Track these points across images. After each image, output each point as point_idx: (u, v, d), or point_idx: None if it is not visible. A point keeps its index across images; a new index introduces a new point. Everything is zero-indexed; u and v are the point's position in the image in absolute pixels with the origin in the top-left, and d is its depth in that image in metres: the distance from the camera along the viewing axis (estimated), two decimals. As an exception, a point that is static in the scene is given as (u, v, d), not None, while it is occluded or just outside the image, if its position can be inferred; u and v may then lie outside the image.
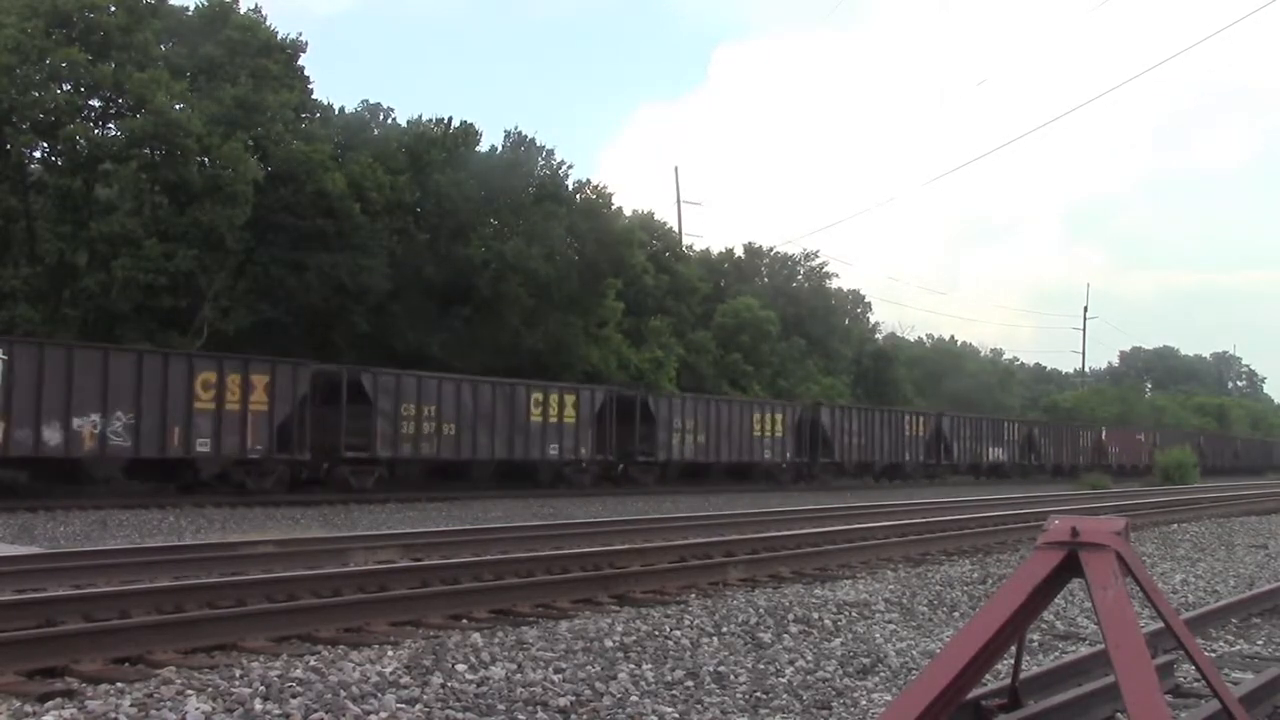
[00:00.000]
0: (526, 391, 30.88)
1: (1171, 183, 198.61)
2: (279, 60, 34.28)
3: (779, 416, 39.17)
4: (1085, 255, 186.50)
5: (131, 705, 5.60)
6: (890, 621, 9.20)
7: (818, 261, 63.53)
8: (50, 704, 5.69)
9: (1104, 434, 61.06)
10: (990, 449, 51.32)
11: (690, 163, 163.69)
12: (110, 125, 30.84)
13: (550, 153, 40.47)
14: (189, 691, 5.88)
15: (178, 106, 30.37)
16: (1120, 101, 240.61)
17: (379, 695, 5.97)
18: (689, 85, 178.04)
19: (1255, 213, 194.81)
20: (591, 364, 39.31)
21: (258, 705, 5.69)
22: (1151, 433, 67.00)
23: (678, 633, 8.16)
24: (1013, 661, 5.14)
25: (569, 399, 31.93)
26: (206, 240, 30.41)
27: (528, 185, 39.39)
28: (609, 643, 7.66)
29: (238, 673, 6.39)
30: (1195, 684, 6.65)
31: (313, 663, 6.72)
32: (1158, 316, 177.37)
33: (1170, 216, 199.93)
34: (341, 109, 38.75)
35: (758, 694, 6.46)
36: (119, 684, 6.18)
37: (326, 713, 5.62)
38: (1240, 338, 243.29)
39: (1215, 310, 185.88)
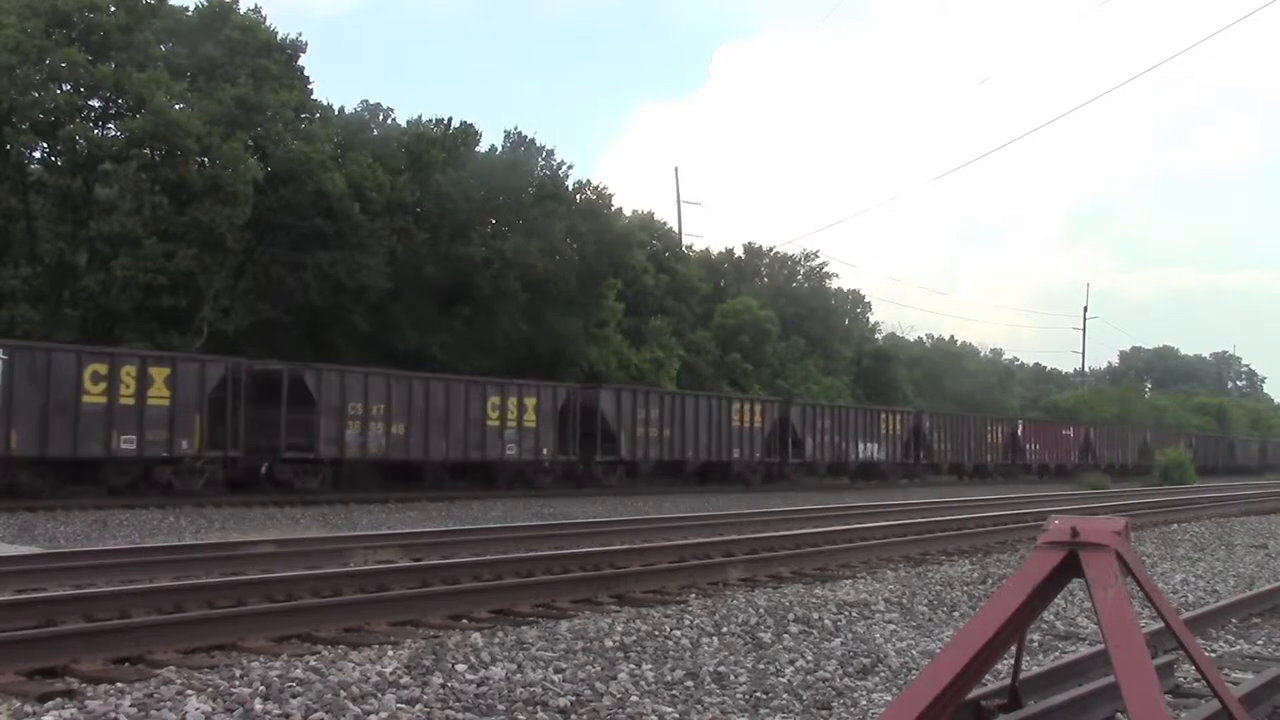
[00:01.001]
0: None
1: (1172, 182, 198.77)
2: (279, 60, 34.28)
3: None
4: (1086, 255, 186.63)
5: (131, 705, 5.60)
6: (890, 621, 9.19)
7: (818, 262, 63.65)
8: (50, 704, 5.69)
9: (1020, 429, 54.09)
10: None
11: (691, 163, 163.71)
12: (110, 125, 30.85)
13: (550, 153, 40.56)
14: (189, 691, 5.88)
15: (177, 106, 30.37)
16: (1121, 101, 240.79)
17: (379, 695, 5.97)
18: (690, 85, 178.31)
19: (1256, 212, 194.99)
20: (591, 364, 39.30)
21: (258, 705, 5.69)
22: (1083, 428, 59.63)
23: (678, 633, 8.16)
24: (1013, 661, 5.14)
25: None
26: (206, 240, 30.41)
27: (528, 185, 39.39)
28: (609, 643, 7.65)
29: (238, 673, 6.39)
30: (1195, 684, 6.65)
31: (313, 663, 6.72)
32: (1158, 316, 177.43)
33: (1171, 216, 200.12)
34: (341, 109, 38.82)
35: (758, 694, 6.45)
36: (119, 684, 6.18)
37: (326, 713, 5.62)
38: (1240, 338, 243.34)
39: (1215, 310, 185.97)
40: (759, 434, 37.87)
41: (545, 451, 30.99)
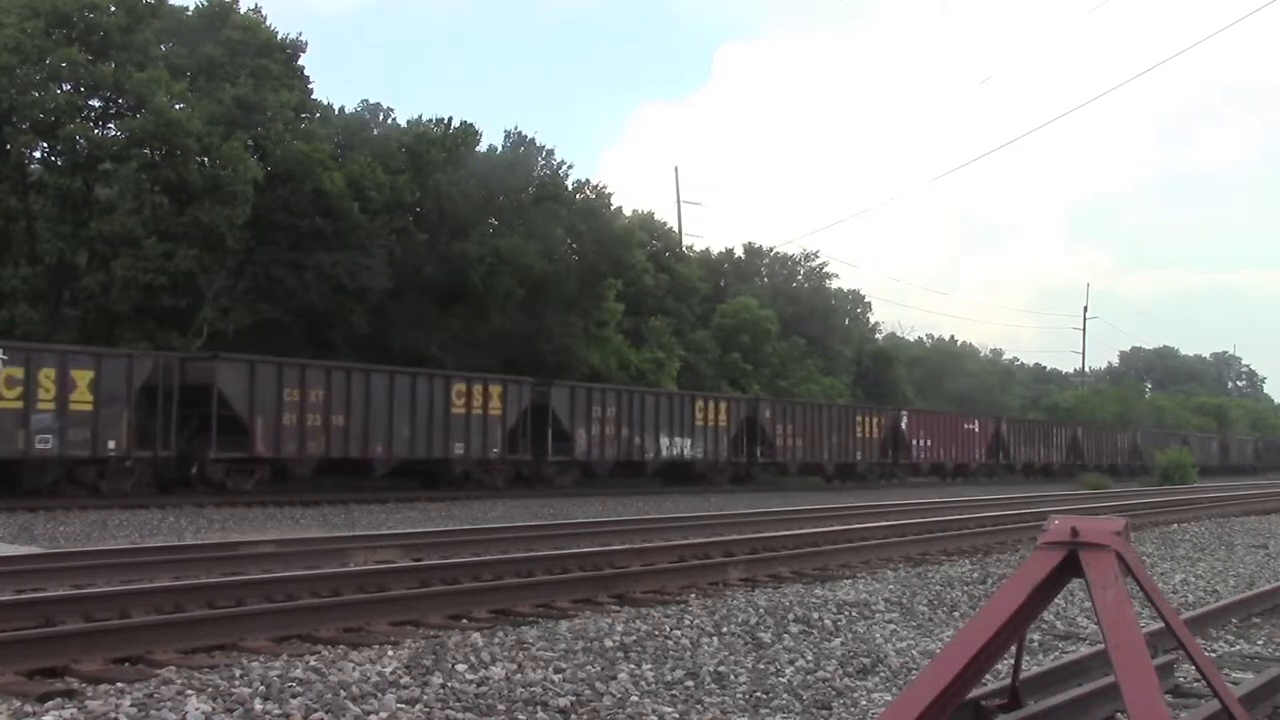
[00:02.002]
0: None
1: (1173, 182, 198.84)
2: (279, 60, 34.28)
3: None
4: (1086, 255, 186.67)
5: (131, 705, 5.60)
6: (890, 621, 9.19)
7: (818, 262, 63.64)
8: (50, 704, 5.69)
9: (904, 420, 46.31)
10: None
11: (691, 163, 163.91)
12: (110, 125, 30.82)
13: (550, 153, 40.52)
14: (189, 691, 5.88)
15: (178, 106, 30.37)
16: (1122, 101, 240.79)
17: (379, 695, 5.97)
18: (692, 85, 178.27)
19: (1256, 212, 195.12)
20: (592, 365, 39.29)
21: (258, 705, 5.69)
22: (991, 421, 52.90)
23: (678, 633, 8.16)
24: (1013, 661, 5.14)
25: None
26: (206, 240, 30.41)
27: (527, 185, 39.39)
28: (609, 643, 7.65)
29: (238, 673, 6.39)
30: (1195, 684, 6.65)
31: (313, 663, 6.71)
32: (1158, 316, 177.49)
33: (1171, 216, 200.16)
34: (341, 109, 38.82)
35: (758, 694, 6.46)
36: (119, 684, 6.18)
37: (326, 713, 5.63)
38: (1240, 338, 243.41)
39: (1215, 310, 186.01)
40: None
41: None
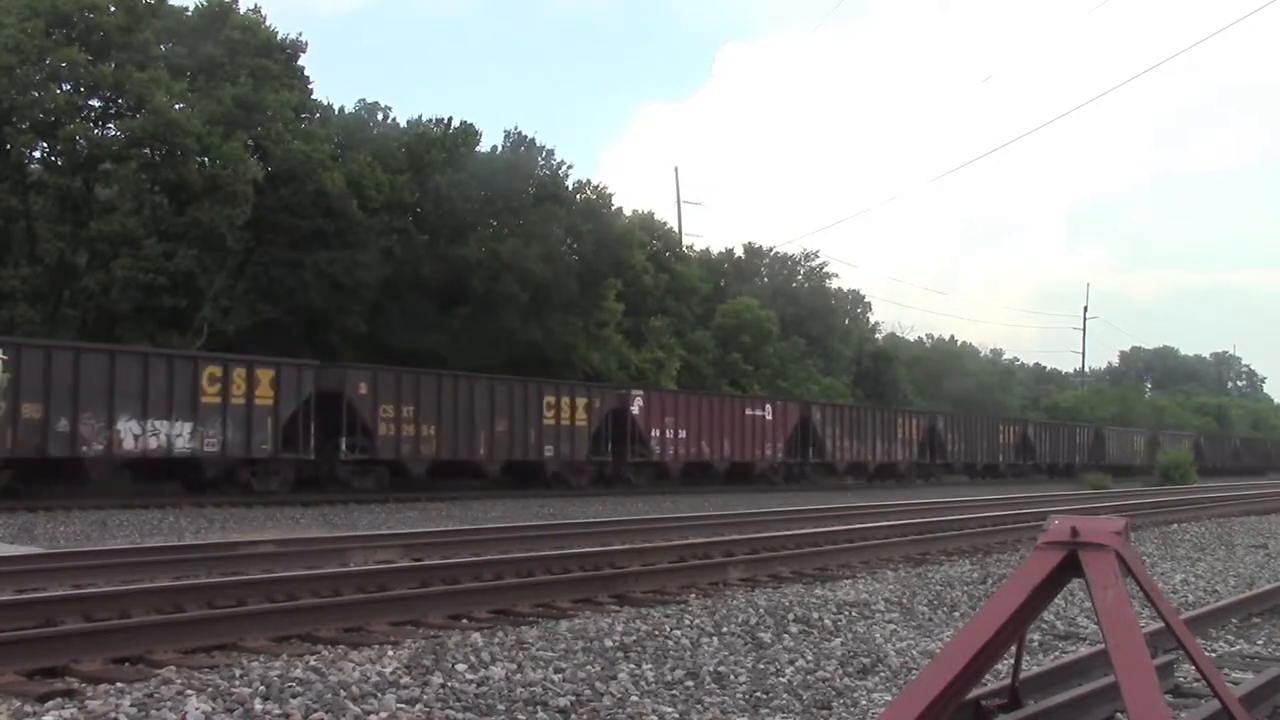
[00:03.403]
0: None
1: (1172, 182, 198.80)
2: (279, 60, 34.29)
3: (582, 403, 31.85)
4: (1086, 255, 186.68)
5: (131, 705, 5.60)
6: (890, 621, 9.19)
7: (818, 262, 63.67)
8: (50, 704, 5.69)
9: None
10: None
11: (691, 163, 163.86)
12: (110, 125, 30.83)
13: (550, 153, 40.52)
14: (189, 691, 5.88)
15: (178, 106, 30.37)
16: (1122, 101, 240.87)
17: (379, 695, 5.97)
18: (693, 85, 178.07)
19: (1256, 212, 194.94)
20: (592, 365, 39.30)
21: (258, 705, 5.69)
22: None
23: (678, 633, 8.16)
24: (1013, 661, 5.14)
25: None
26: (206, 240, 30.42)
27: (528, 185, 39.39)
28: (609, 642, 7.65)
29: (238, 672, 6.39)
30: (1195, 684, 6.64)
31: (313, 662, 6.71)
32: (1158, 316, 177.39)
33: (1171, 216, 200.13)
34: (341, 109, 38.83)
35: (758, 694, 6.46)
36: (119, 684, 6.18)
37: (326, 712, 5.63)
38: (1240, 338, 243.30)
39: (1215, 310, 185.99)
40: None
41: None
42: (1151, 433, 67.36)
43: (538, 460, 30.53)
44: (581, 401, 31.73)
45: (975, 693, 4.90)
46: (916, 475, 45.52)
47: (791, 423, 39.00)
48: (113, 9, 30.43)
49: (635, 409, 33.34)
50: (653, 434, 33.84)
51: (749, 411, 37.70)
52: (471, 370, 30.73)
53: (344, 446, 26.34)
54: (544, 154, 40.44)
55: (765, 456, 37.98)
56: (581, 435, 31.56)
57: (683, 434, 34.76)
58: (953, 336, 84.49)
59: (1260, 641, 8.79)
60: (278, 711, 5.61)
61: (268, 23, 35.01)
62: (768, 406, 38.67)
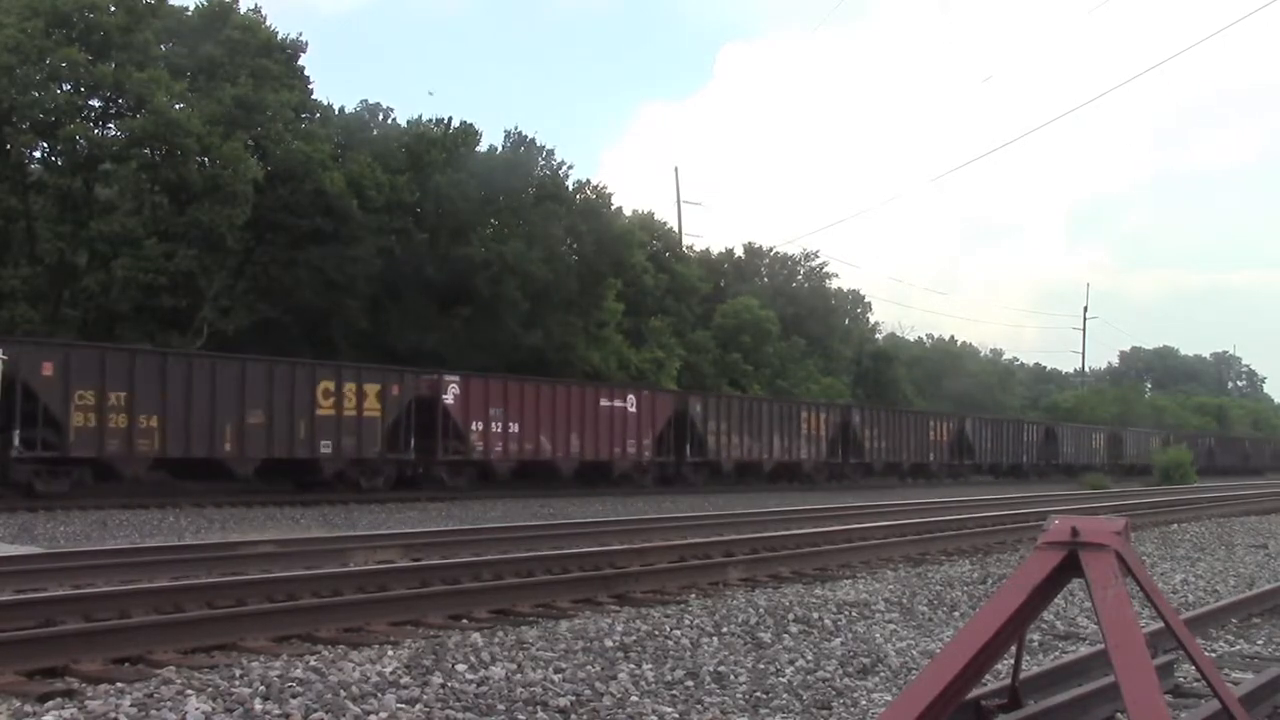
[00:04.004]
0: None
1: (1172, 182, 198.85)
2: (279, 60, 34.30)
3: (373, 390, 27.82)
4: (1086, 255, 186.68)
5: (131, 705, 5.60)
6: (890, 621, 9.19)
7: (818, 262, 63.67)
8: (50, 704, 5.69)
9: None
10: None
11: (691, 163, 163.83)
12: (110, 125, 30.85)
13: (550, 153, 40.54)
14: (189, 691, 5.88)
15: (178, 106, 30.37)
16: (1121, 101, 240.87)
17: (379, 695, 5.97)
18: (693, 85, 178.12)
19: (1256, 213, 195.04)
20: (592, 364, 39.30)
21: (258, 705, 5.69)
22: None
23: (678, 633, 8.16)
24: (1013, 661, 5.14)
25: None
26: (206, 240, 30.42)
27: (528, 185, 39.39)
28: (609, 643, 7.65)
29: (238, 673, 6.38)
30: (1195, 684, 6.64)
31: (313, 663, 6.71)
32: (1158, 316, 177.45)
33: (1171, 216, 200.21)
34: (341, 109, 38.83)
35: (758, 694, 6.46)
36: (119, 684, 6.17)
37: (326, 713, 5.62)
38: (1240, 338, 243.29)
39: (1215, 310, 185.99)
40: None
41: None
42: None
43: (310, 458, 25.73)
44: (373, 388, 26.84)
45: (975, 693, 4.90)
46: (826, 475, 41.32)
47: (663, 416, 34.59)
48: (113, 9, 30.43)
49: (449, 398, 28.52)
50: (473, 427, 28.93)
51: (604, 402, 32.81)
52: (472, 369, 30.69)
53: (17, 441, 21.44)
54: (544, 154, 40.49)
55: (628, 455, 33.38)
56: (372, 429, 26.82)
57: (514, 428, 29.79)
58: (953, 336, 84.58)
59: (1260, 641, 8.79)
60: (277, 711, 5.61)
61: (268, 23, 35.09)
62: (630, 397, 33.96)
